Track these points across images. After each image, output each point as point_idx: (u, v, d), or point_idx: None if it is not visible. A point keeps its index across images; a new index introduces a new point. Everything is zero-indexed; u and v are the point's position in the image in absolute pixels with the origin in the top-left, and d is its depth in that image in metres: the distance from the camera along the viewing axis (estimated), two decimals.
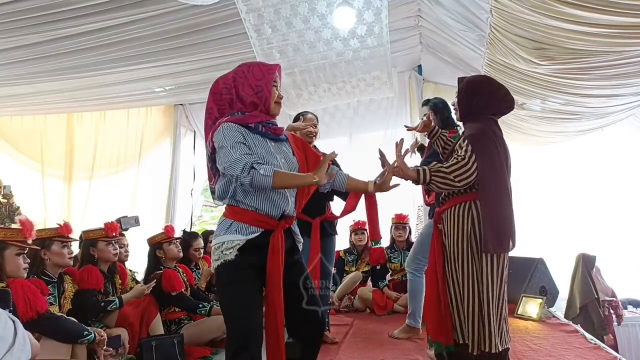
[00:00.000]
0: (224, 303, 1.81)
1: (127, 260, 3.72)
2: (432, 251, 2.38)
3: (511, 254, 5.19)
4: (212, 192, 1.94)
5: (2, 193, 4.99)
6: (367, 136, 5.92)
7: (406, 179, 2.19)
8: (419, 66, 5.50)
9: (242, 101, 1.83)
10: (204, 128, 1.95)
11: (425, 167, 2.20)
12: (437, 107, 3.22)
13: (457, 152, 2.26)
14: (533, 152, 5.91)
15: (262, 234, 1.77)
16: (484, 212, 2.17)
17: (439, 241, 2.33)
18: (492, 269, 2.18)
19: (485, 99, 2.32)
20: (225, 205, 1.86)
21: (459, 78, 2.46)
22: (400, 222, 4.68)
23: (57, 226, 2.82)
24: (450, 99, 6.21)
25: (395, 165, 2.11)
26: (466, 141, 2.22)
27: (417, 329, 3.27)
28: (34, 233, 2.47)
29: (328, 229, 3.23)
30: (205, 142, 1.90)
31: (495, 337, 2.16)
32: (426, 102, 3.33)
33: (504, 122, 5.64)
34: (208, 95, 1.90)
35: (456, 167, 2.16)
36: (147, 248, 3.74)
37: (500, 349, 2.18)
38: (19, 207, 5.09)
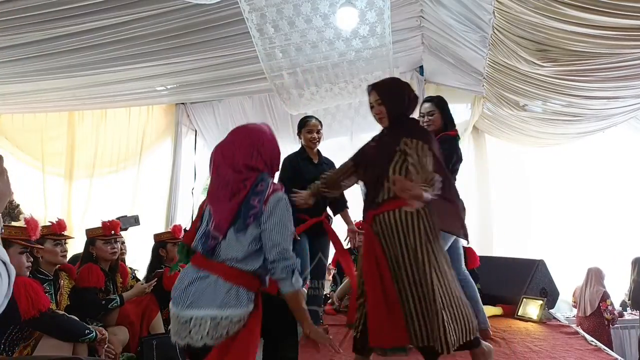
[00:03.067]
0: None
1: (123, 257, 3.72)
2: (367, 255, 2.24)
3: (512, 255, 5.17)
4: (212, 249, 1.76)
5: None
6: (368, 136, 5.78)
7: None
8: (421, 67, 5.50)
9: (273, 167, 1.92)
10: (250, 167, 1.81)
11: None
12: (442, 104, 3.11)
13: (408, 154, 2.18)
14: (533, 153, 5.92)
15: None
16: (447, 205, 2.24)
17: (377, 244, 2.21)
18: (446, 260, 2.21)
19: (408, 101, 2.37)
20: (223, 266, 1.74)
21: (369, 86, 2.44)
22: None
23: (50, 224, 2.81)
24: (452, 100, 6.19)
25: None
26: (415, 140, 2.18)
27: None
28: (38, 232, 2.47)
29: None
30: (248, 192, 1.76)
31: (474, 319, 2.17)
32: (430, 99, 3.19)
33: (504, 123, 5.69)
34: (270, 140, 1.91)
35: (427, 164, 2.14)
36: (148, 248, 3.74)
37: (478, 329, 2.22)
38: (18, 205, 5.07)
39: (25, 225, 2.40)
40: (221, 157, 1.83)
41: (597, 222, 5.47)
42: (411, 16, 4.45)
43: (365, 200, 2.36)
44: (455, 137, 3.04)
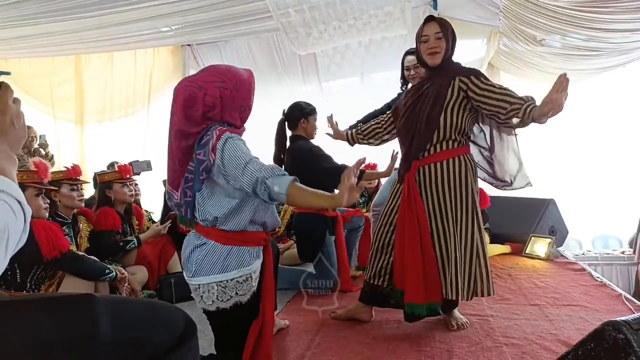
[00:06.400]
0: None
1: (138, 199, 3.79)
2: (407, 207, 2.21)
3: (522, 194, 5.15)
4: (185, 217, 1.71)
5: (38, 142, 5.04)
6: (379, 76, 5.77)
7: None
8: (434, 0, 5.26)
9: (229, 118, 1.68)
10: (181, 135, 1.63)
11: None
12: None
13: (473, 91, 2.11)
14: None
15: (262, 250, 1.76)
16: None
17: (418, 197, 2.19)
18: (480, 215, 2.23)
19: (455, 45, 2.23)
20: (216, 230, 1.65)
21: (427, 17, 2.23)
22: None
23: (65, 169, 2.86)
24: (467, 35, 5.90)
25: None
26: (477, 77, 2.12)
27: None
28: (49, 174, 2.52)
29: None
30: (191, 146, 1.62)
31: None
32: (414, 52, 3.05)
33: (521, 59, 5.47)
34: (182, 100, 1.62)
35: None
36: (160, 192, 3.79)
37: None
38: (53, 156, 5.13)
39: (35, 169, 2.45)
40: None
41: (612, 161, 5.39)
42: None
43: (406, 150, 2.27)
44: None
